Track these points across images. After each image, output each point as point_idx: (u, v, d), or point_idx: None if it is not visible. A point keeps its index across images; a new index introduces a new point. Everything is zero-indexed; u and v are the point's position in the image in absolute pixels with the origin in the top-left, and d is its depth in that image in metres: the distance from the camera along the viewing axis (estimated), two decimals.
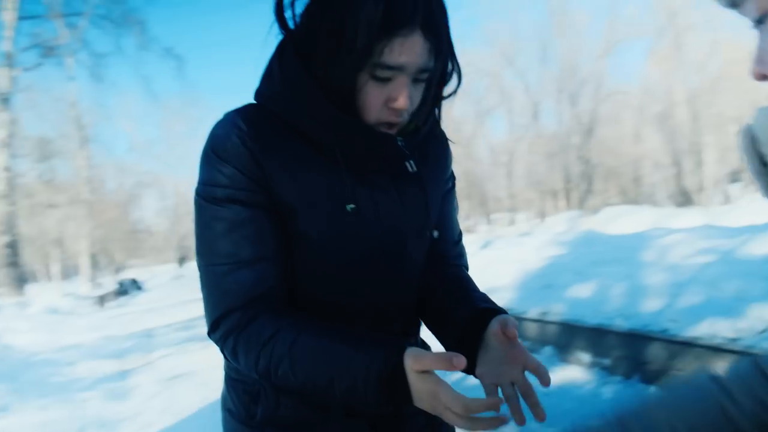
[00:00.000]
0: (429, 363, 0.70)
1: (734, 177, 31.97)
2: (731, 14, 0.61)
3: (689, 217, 13.72)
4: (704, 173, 22.19)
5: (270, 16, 0.87)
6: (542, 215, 31.82)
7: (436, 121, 0.98)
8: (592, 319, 4.71)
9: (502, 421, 0.68)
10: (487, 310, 0.89)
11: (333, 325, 0.82)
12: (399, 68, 0.81)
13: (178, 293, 19.49)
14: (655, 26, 22.70)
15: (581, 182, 23.43)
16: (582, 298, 5.23)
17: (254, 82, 0.92)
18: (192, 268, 37.62)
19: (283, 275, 0.87)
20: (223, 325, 0.83)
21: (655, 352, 3.89)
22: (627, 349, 4.16)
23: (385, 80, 0.82)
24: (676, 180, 27.79)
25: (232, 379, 0.98)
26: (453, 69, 0.90)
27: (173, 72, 45.49)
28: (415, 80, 0.85)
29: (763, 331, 3.30)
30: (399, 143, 0.90)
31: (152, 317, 12.27)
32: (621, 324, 4.26)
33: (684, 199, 25.83)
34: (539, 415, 0.76)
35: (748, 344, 3.27)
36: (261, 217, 0.85)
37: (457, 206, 1.11)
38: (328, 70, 0.83)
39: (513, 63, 29.52)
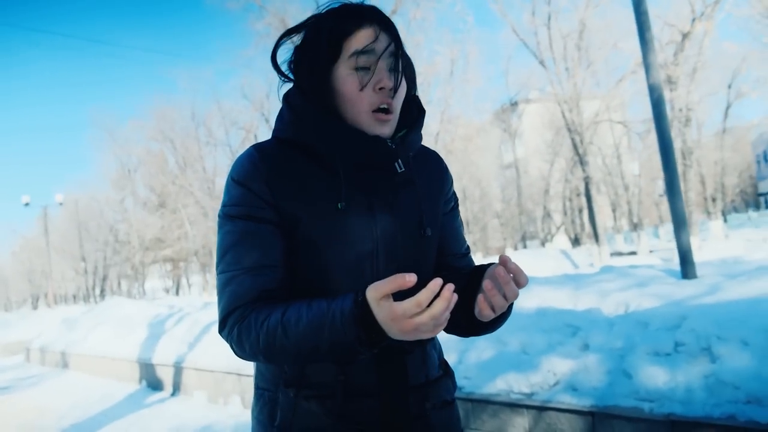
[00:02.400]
0: (384, 286, 0.81)
1: None
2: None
3: None
4: None
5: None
6: None
7: (424, 146, 1.18)
8: None
9: (447, 289, 0.79)
10: (484, 264, 1.04)
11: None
12: (370, 51, 1.00)
13: None
14: None
15: None
16: None
17: None
18: None
19: (284, 281, 1.01)
20: (230, 320, 0.98)
21: None
22: None
23: (365, 69, 1.00)
24: None
25: (258, 389, 1.11)
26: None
27: None
28: (390, 69, 1.02)
29: (556, 384, 3.36)
30: (388, 143, 1.03)
31: None
32: None
33: None
34: (521, 282, 0.91)
35: (544, 398, 3.29)
36: (266, 231, 1.01)
37: (462, 223, 1.25)
38: (314, 77, 1.02)
39: (268, 119, 29.72)
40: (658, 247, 23.57)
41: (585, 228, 29.15)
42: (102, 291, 41.31)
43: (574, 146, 19.65)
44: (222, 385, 6.02)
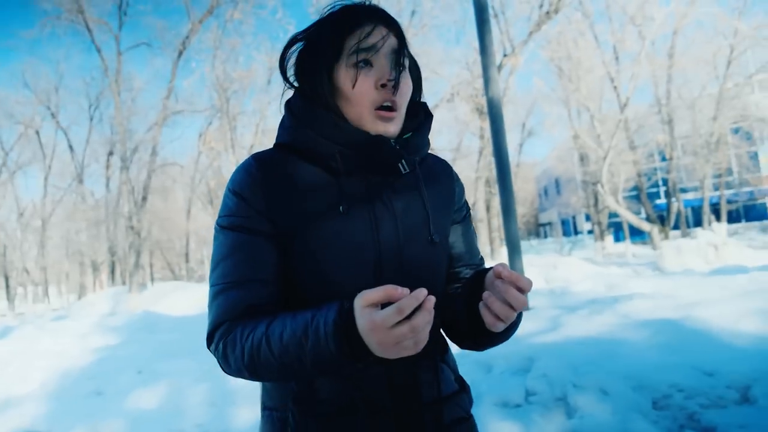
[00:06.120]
0: (371, 294, 0.76)
1: None
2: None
3: None
4: None
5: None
6: (81, 291, 28.28)
7: (432, 154, 1.14)
8: None
9: (429, 300, 0.74)
10: (483, 269, 1.00)
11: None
12: (372, 48, 0.96)
13: None
14: (211, 105, 23.49)
15: (129, 255, 21.44)
16: (150, 409, 3.94)
17: None
18: None
19: (274, 296, 0.96)
20: (216, 335, 0.94)
21: None
22: None
23: (367, 65, 0.97)
24: None
25: (265, 409, 1.03)
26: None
27: None
28: (394, 65, 0.97)
29: None
30: (391, 143, 0.98)
31: None
32: None
33: None
34: (523, 286, 0.84)
35: None
36: (258, 243, 0.96)
37: (475, 233, 1.19)
38: (315, 77, 0.99)
39: (55, 115, 26.14)
40: None
41: None
42: None
43: None
44: None
